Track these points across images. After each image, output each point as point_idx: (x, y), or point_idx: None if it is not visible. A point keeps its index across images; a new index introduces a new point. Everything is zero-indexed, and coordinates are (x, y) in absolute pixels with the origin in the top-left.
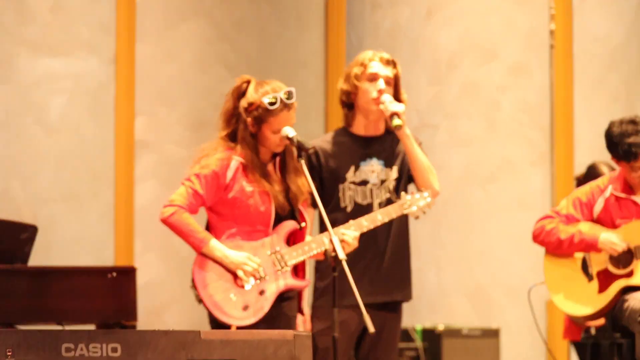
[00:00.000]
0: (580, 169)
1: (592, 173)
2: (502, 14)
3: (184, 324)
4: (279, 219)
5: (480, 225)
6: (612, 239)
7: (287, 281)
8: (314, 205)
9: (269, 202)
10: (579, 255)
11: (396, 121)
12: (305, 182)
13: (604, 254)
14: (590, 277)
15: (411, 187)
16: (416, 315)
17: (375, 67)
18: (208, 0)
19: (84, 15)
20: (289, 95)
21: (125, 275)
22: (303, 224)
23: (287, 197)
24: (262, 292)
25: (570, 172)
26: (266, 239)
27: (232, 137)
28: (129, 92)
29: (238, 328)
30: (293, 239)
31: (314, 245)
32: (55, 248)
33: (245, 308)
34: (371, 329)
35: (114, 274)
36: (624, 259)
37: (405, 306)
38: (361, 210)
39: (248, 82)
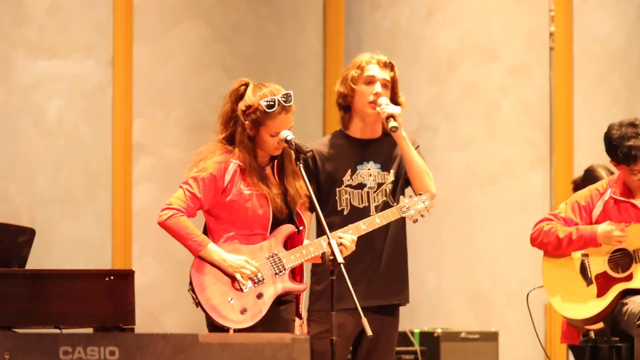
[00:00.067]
0: (580, 171)
1: (589, 176)
2: (502, 15)
3: (182, 328)
4: (276, 223)
5: (479, 228)
6: (611, 228)
7: (285, 285)
8: (311, 209)
9: (267, 206)
10: (577, 258)
11: (392, 123)
12: (303, 186)
13: (603, 258)
14: (589, 281)
15: (408, 190)
16: (416, 319)
17: (373, 70)
18: (205, 2)
19: (81, 17)
20: (287, 98)
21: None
22: (301, 228)
23: (285, 201)
24: (260, 296)
25: (569, 174)
26: (264, 243)
27: (229, 140)
28: (127, 95)
29: (236, 331)
30: (291, 242)
31: (312, 249)
32: (52, 251)
33: (243, 311)
34: (369, 332)
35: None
36: (623, 262)
37: (405, 309)
38: (358, 213)
39: (246, 84)
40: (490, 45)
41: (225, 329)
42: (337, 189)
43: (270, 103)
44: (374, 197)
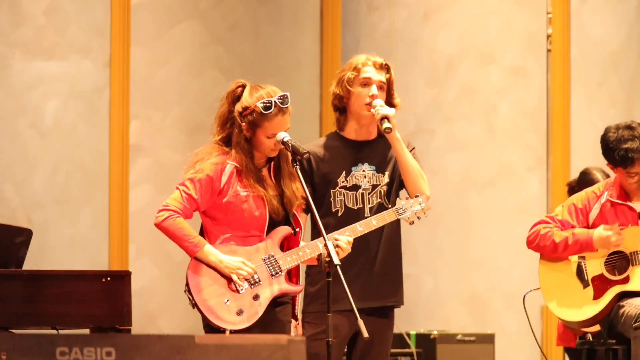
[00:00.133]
0: (577, 173)
1: (584, 179)
2: (500, 17)
3: (178, 329)
4: (273, 224)
5: (476, 230)
6: (607, 234)
7: (281, 286)
8: (306, 210)
9: (264, 207)
10: (574, 260)
11: (386, 125)
12: (299, 187)
13: (600, 260)
14: (585, 283)
15: (403, 192)
16: (412, 321)
17: (369, 72)
18: (202, 4)
19: (78, 18)
20: (284, 99)
21: (120, 280)
22: (297, 229)
23: (281, 202)
24: (256, 297)
25: (567, 177)
26: (260, 244)
27: (226, 141)
28: (124, 96)
29: (232, 332)
30: (287, 243)
31: (308, 251)
32: (49, 252)
33: (240, 313)
34: (365, 334)
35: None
36: (619, 264)
37: (401, 311)
38: (352, 214)
39: (243, 86)
40: (488, 47)
41: (221, 330)
42: (332, 191)
43: (267, 105)
44: (369, 198)
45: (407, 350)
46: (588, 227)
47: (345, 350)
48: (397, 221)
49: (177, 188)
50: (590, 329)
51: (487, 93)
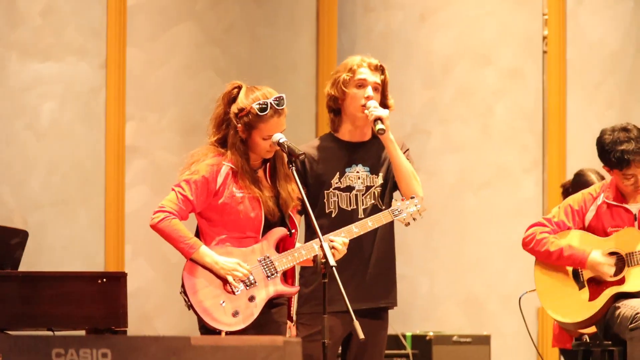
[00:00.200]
0: (572, 175)
1: (579, 180)
2: (496, 19)
3: (174, 330)
4: (268, 225)
5: (472, 232)
6: (600, 261)
7: (277, 287)
8: (300, 211)
9: (259, 208)
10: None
11: (379, 126)
12: (295, 189)
13: None
14: (581, 285)
15: (397, 194)
16: (408, 322)
17: (364, 73)
18: (198, 5)
19: (74, 19)
20: (280, 101)
21: (116, 281)
22: (293, 231)
23: (277, 203)
24: (251, 299)
25: (562, 179)
26: (256, 246)
27: (222, 142)
28: (120, 97)
29: (228, 334)
30: (283, 245)
31: (304, 252)
32: (45, 253)
33: (235, 314)
34: (361, 335)
35: (104, 280)
36: (615, 266)
37: (397, 313)
38: (346, 216)
39: (239, 87)
40: (484, 49)
41: (217, 332)
42: (326, 192)
43: (263, 106)
44: (363, 199)
45: (403, 351)
46: (584, 228)
47: (340, 351)
48: (391, 222)
49: (173, 189)
50: (587, 331)
51: (483, 94)
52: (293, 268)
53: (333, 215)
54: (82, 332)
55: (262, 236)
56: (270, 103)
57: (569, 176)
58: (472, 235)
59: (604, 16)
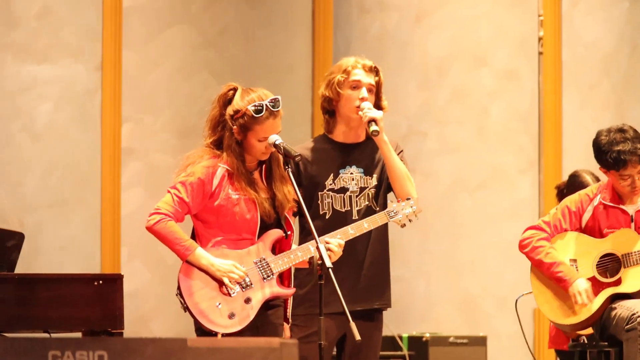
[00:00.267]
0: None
1: (574, 182)
2: (491, 20)
3: (170, 332)
4: (264, 227)
5: (468, 233)
6: (581, 291)
7: (273, 289)
8: (295, 213)
9: (255, 210)
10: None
11: (373, 127)
12: (291, 190)
13: (592, 263)
14: None
15: (391, 195)
16: (404, 323)
17: (359, 74)
18: (194, 7)
19: (70, 21)
20: (275, 103)
21: (112, 283)
22: (289, 232)
23: (273, 205)
24: (247, 300)
25: (558, 180)
26: (252, 247)
27: (217, 144)
28: (115, 99)
29: (224, 336)
30: (279, 247)
31: (300, 254)
32: (41, 255)
33: (231, 316)
34: (357, 337)
35: (101, 282)
36: (611, 267)
37: (394, 314)
38: (340, 217)
39: (234, 89)
40: (479, 50)
41: (213, 334)
42: (320, 193)
43: (258, 108)
44: (357, 201)
45: (399, 352)
46: (581, 229)
47: (335, 353)
48: (385, 224)
49: (169, 191)
50: (583, 332)
51: (478, 96)
52: (289, 270)
53: (327, 217)
54: (79, 334)
55: (258, 238)
56: (266, 105)
57: (565, 177)
58: (468, 236)
59: (599, 17)
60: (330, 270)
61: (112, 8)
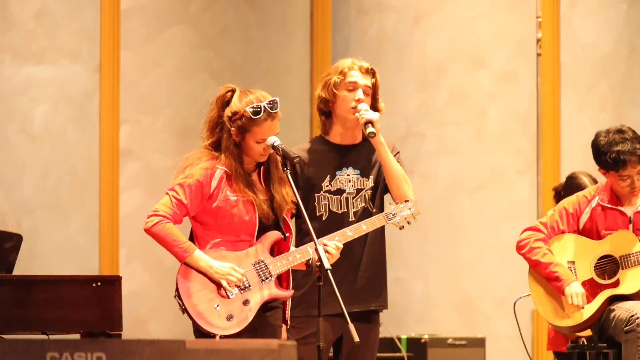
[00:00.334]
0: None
1: (571, 183)
2: (490, 21)
3: (169, 334)
4: (263, 229)
5: (466, 234)
6: (578, 292)
7: (272, 291)
8: (293, 214)
9: (253, 212)
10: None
11: (370, 129)
12: (289, 192)
13: (589, 265)
14: None
15: (388, 196)
16: (403, 325)
17: (355, 76)
18: (192, 8)
19: (68, 22)
20: (273, 104)
21: (110, 285)
22: (287, 234)
23: (271, 207)
24: (246, 302)
25: (557, 181)
26: (250, 249)
27: (216, 146)
28: (114, 100)
29: (222, 337)
30: (277, 248)
31: (298, 256)
32: (39, 257)
33: (229, 318)
34: (356, 338)
35: (99, 283)
36: (609, 269)
37: (392, 316)
38: (336, 219)
39: (232, 90)
40: (478, 51)
41: (211, 336)
42: (316, 195)
43: (256, 109)
44: (353, 202)
45: (398, 354)
46: (579, 231)
47: (332, 354)
48: (382, 226)
49: (167, 193)
50: (582, 334)
51: (477, 97)
52: (288, 271)
53: (324, 218)
54: (77, 336)
55: (257, 240)
56: (264, 106)
57: (564, 178)
58: (466, 238)
59: (597, 19)
60: (329, 272)
61: (110, 9)
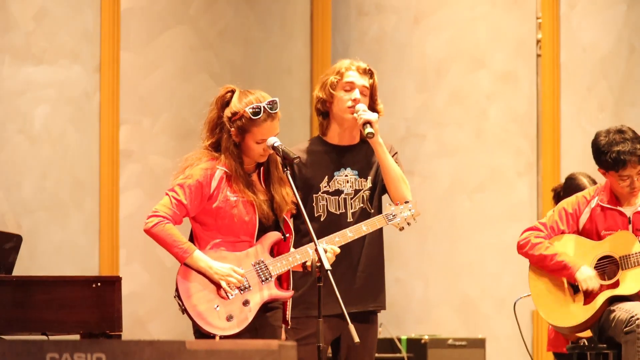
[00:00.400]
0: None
1: (570, 184)
2: (490, 22)
3: (169, 334)
4: (263, 229)
5: (466, 235)
6: (591, 276)
7: (272, 292)
8: (292, 215)
9: (253, 212)
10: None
11: (368, 130)
12: (289, 192)
13: (589, 264)
14: (576, 288)
15: (386, 197)
16: (403, 326)
17: (352, 76)
18: (192, 9)
19: (68, 23)
20: (273, 105)
21: (110, 285)
22: (287, 235)
23: (271, 207)
24: (246, 303)
25: (556, 182)
26: (250, 250)
27: (215, 146)
28: (113, 101)
29: (222, 338)
30: (277, 249)
31: (298, 256)
32: (39, 258)
33: (229, 318)
34: (356, 339)
35: (99, 284)
36: (609, 269)
37: (392, 316)
38: (334, 219)
39: (232, 91)
40: (478, 52)
41: (211, 336)
42: (314, 195)
43: (256, 110)
44: (351, 203)
45: (398, 355)
46: (578, 231)
47: (330, 355)
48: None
49: (167, 194)
50: (582, 334)
51: (477, 98)
52: (288, 272)
53: (322, 219)
54: (77, 337)
55: (257, 240)
56: (264, 107)
57: (563, 179)
58: (466, 239)
59: (597, 20)
60: (329, 272)
61: (110, 9)
